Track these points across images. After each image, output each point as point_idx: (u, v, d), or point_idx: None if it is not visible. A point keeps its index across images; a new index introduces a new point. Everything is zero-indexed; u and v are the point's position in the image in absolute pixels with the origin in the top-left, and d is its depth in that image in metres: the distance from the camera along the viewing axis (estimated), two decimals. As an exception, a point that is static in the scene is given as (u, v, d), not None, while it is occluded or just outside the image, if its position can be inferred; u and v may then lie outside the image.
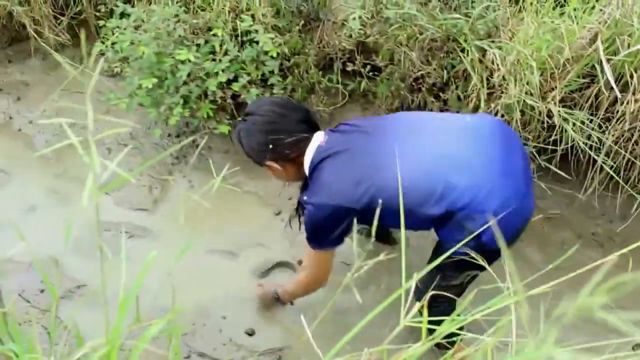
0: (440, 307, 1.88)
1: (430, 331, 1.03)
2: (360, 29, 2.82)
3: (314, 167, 1.90)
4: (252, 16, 2.82)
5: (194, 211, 2.65)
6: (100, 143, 3.17)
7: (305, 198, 1.89)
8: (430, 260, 1.98)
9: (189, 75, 2.66)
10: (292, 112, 1.94)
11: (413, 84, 2.80)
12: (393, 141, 1.82)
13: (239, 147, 2.04)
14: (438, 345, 1.90)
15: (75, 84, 3.50)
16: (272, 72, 2.79)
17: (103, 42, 3.06)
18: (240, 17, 2.78)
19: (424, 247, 2.43)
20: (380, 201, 1.39)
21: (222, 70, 2.66)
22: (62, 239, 2.59)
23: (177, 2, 2.92)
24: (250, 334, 2.50)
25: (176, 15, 2.79)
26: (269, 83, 2.82)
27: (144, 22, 2.89)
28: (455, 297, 1.86)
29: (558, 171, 2.67)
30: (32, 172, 3.11)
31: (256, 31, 2.72)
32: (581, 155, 2.71)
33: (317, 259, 2.05)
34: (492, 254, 1.72)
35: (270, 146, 1.90)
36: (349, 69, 2.98)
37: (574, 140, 2.52)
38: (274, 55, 2.71)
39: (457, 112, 2.68)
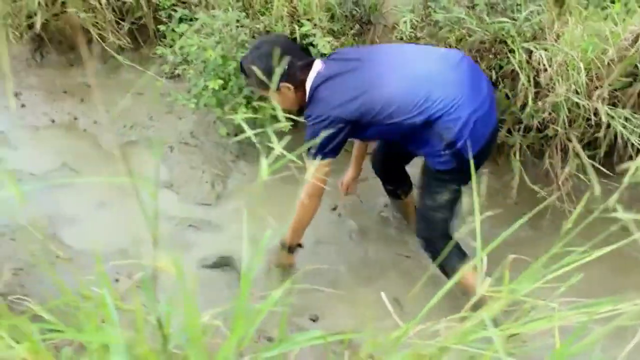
0: (453, 259, 2.26)
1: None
2: (410, 32, 2.99)
3: (315, 88, 2.24)
4: (308, 20, 2.99)
5: (255, 205, 2.83)
6: (162, 142, 3.38)
7: (308, 113, 2.24)
8: (420, 181, 2.44)
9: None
10: (294, 43, 2.40)
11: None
12: (381, 64, 2.22)
13: (248, 75, 2.31)
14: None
15: (137, 86, 3.71)
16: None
17: (165, 46, 3.26)
18: (299, 21, 2.96)
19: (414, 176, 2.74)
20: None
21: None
22: (130, 232, 2.83)
23: (237, 7, 3.10)
24: (314, 319, 2.66)
25: (237, 20, 2.97)
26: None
27: (203, 27, 3.09)
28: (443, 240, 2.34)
29: (601, 167, 2.81)
30: (99, 169, 3.31)
31: (314, 35, 2.90)
32: (622, 152, 2.86)
33: (317, 170, 2.25)
34: (462, 160, 2.17)
35: (287, 67, 2.18)
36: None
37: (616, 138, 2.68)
38: (331, 56, 2.88)
39: (505, 109, 2.84)
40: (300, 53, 2.31)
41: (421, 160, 2.42)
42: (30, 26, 3.63)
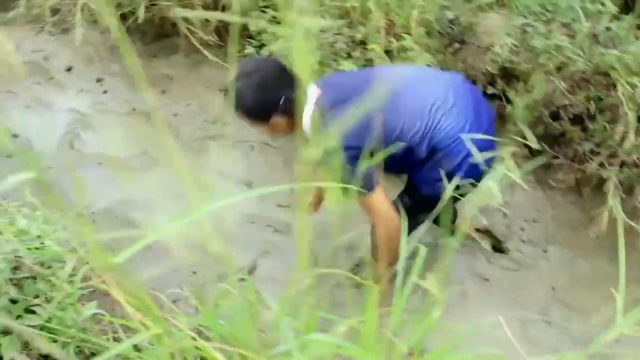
0: None
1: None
2: (507, 56, 2.98)
3: (322, 116, 2.02)
4: (405, 34, 3.00)
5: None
6: (243, 140, 3.41)
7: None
8: (401, 197, 2.31)
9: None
10: (284, 68, 2.07)
11: (556, 111, 2.94)
12: (390, 88, 2.04)
13: (236, 108, 2.07)
14: None
15: (219, 82, 3.75)
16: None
17: (254, 46, 3.29)
18: (396, 35, 2.97)
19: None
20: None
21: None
22: (207, 226, 2.82)
23: (334, 15, 3.12)
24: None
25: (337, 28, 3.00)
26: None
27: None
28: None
29: None
30: (177, 160, 3.34)
31: (412, 49, 2.91)
32: None
33: (376, 201, 2.12)
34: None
35: (282, 99, 2.03)
36: (489, 92, 3.12)
37: None
38: (429, 73, 2.89)
39: (601, 142, 2.81)
40: (292, 80, 2.07)
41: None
42: (123, 15, 3.68)
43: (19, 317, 1.58)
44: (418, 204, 2.18)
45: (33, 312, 1.60)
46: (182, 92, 3.76)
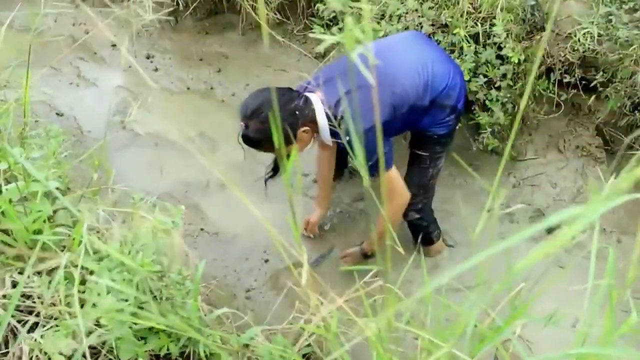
0: (424, 222, 2.69)
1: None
2: (589, 44, 2.94)
3: (335, 114, 2.17)
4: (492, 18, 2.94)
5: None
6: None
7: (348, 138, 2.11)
8: (412, 161, 2.56)
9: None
10: (278, 89, 2.22)
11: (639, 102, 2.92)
12: (383, 63, 2.17)
13: (258, 147, 2.18)
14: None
15: (279, 62, 3.65)
16: (504, 76, 2.91)
17: (320, 25, 3.20)
18: (484, 19, 2.90)
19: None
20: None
21: (469, 70, 2.78)
22: (268, 210, 2.75)
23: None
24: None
25: (416, 10, 2.91)
26: (496, 85, 2.94)
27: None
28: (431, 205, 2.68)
29: None
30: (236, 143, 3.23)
31: (499, 36, 2.84)
32: None
33: (392, 182, 2.34)
34: (460, 117, 2.51)
35: (297, 112, 2.14)
36: (565, 80, 3.08)
37: None
38: (516, 60, 2.83)
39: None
40: (291, 94, 2.19)
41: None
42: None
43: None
44: (435, 150, 2.48)
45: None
46: (239, 71, 3.64)
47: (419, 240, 2.69)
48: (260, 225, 2.88)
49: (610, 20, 3.01)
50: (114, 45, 3.82)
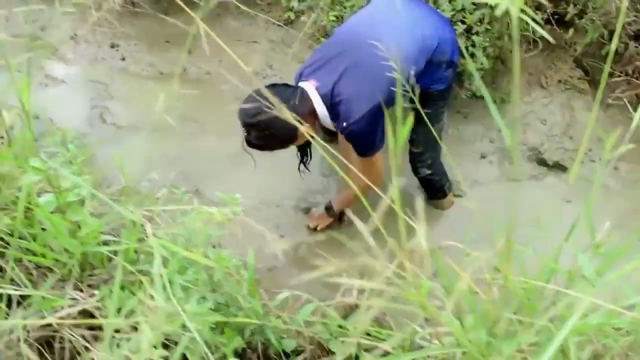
0: (436, 176, 2.74)
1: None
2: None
3: (331, 104, 2.25)
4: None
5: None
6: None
7: (344, 124, 2.25)
8: (417, 121, 2.48)
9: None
10: (271, 90, 2.17)
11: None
12: (368, 39, 2.11)
13: (265, 149, 2.29)
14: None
15: (248, 34, 3.60)
16: (481, 21, 2.94)
17: None
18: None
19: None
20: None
21: (451, 20, 2.80)
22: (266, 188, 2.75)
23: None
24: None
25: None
26: (474, 31, 2.97)
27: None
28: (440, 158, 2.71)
29: None
30: (224, 120, 3.18)
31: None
32: None
33: (371, 164, 2.40)
34: (456, 69, 2.56)
35: (293, 114, 2.15)
36: (538, 16, 3.13)
37: None
38: (492, 3, 2.85)
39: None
40: (285, 92, 2.24)
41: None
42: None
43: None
44: (437, 105, 2.49)
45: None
46: (209, 49, 3.55)
47: (434, 194, 2.84)
48: (269, 203, 2.91)
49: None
50: (73, 38, 3.68)
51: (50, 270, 1.53)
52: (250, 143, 2.26)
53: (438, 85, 2.45)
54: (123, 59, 3.58)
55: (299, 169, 2.63)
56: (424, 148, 2.63)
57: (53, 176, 1.54)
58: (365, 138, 2.31)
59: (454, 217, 2.88)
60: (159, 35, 3.65)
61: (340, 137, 2.45)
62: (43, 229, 1.53)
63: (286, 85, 2.32)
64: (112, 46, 3.65)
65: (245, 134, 2.23)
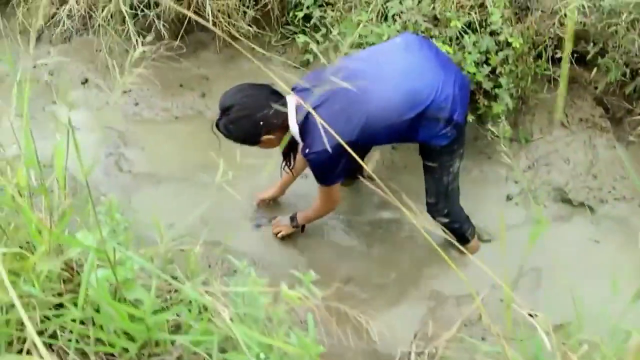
0: (455, 224, 2.73)
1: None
2: (578, 18, 3.00)
3: (302, 123, 2.32)
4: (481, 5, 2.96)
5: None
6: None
7: (307, 150, 2.34)
8: (426, 171, 2.61)
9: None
10: (259, 90, 2.38)
11: (636, 68, 3.01)
12: (359, 78, 2.23)
13: (228, 139, 2.40)
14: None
15: (264, 75, 3.53)
16: (505, 61, 2.93)
17: (306, 34, 3.17)
18: (481, 6, 2.92)
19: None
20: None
21: (476, 63, 2.79)
22: None
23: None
24: (533, 316, 2.64)
25: (412, 9, 2.90)
26: (497, 72, 2.96)
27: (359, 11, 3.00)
28: (459, 205, 2.71)
29: None
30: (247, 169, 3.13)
31: (497, 23, 2.86)
32: None
33: (328, 193, 2.56)
34: (461, 127, 2.45)
35: (261, 123, 2.31)
36: (557, 56, 3.13)
37: None
38: (517, 45, 2.86)
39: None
40: (269, 98, 2.33)
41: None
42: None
43: None
44: (443, 160, 2.50)
45: None
46: (222, 91, 3.51)
47: (457, 241, 2.75)
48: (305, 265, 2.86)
49: (595, -9, 3.08)
50: (84, 83, 3.62)
51: (112, 355, 1.47)
52: (217, 127, 2.39)
53: (439, 140, 2.41)
54: (136, 104, 3.52)
55: (280, 172, 2.74)
56: (436, 199, 2.65)
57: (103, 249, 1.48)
58: (323, 170, 2.40)
59: (484, 262, 2.84)
60: (172, 79, 3.59)
61: (299, 157, 2.57)
62: (97, 310, 1.47)
63: (276, 92, 2.39)
64: (124, 91, 3.59)
65: (218, 117, 2.37)
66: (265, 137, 2.35)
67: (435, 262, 2.86)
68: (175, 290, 1.68)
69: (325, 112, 2.23)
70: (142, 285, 1.60)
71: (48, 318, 1.35)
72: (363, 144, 2.43)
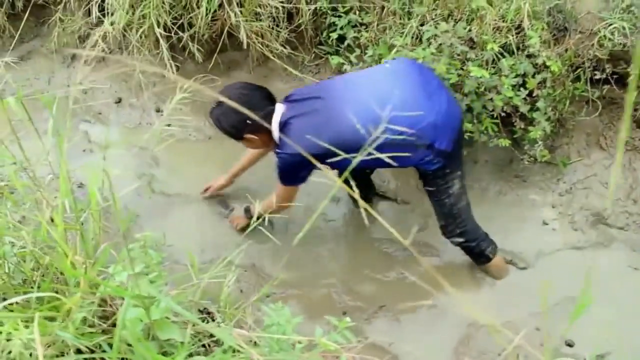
0: (472, 242, 2.70)
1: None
2: (618, 39, 2.93)
3: (281, 129, 2.46)
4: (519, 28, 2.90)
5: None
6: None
7: (278, 150, 2.51)
8: (428, 195, 2.65)
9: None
10: (257, 91, 2.52)
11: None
12: (338, 99, 2.39)
13: (217, 128, 2.57)
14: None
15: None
16: (542, 84, 2.87)
17: (340, 55, 3.14)
18: (518, 29, 2.87)
19: None
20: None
21: (513, 86, 2.74)
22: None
23: (436, 16, 2.97)
24: (571, 345, 2.58)
25: (447, 31, 2.85)
26: (533, 95, 2.89)
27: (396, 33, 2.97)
28: (473, 223, 2.68)
29: None
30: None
31: (535, 46, 2.80)
32: None
33: (285, 192, 2.66)
34: (451, 155, 2.43)
35: (248, 121, 2.44)
36: (597, 77, 3.06)
37: None
38: (556, 69, 2.79)
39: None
40: (262, 101, 2.48)
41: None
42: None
43: None
44: (438, 184, 2.53)
45: None
46: (255, 112, 3.50)
47: (477, 259, 2.85)
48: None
49: (632, 12, 3.00)
50: (117, 102, 3.63)
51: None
52: (210, 115, 2.58)
53: (427, 165, 2.45)
54: (169, 124, 3.51)
55: None
56: (445, 221, 2.68)
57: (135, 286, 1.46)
58: (287, 170, 2.54)
59: (520, 289, 2.78)
60: (206, 98, 3.58)
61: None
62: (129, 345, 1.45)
63: (271, 97, 2.52)
64: (158, 110, 3.60)
65: (214, 106, 2.55)
66: (248, 135, 2.51)
67: (466, 287, 2.84)
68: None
69: (301, 123, 2.42)
70: (175, 322, 1.58)
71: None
72: (339, 164, 2.39)
